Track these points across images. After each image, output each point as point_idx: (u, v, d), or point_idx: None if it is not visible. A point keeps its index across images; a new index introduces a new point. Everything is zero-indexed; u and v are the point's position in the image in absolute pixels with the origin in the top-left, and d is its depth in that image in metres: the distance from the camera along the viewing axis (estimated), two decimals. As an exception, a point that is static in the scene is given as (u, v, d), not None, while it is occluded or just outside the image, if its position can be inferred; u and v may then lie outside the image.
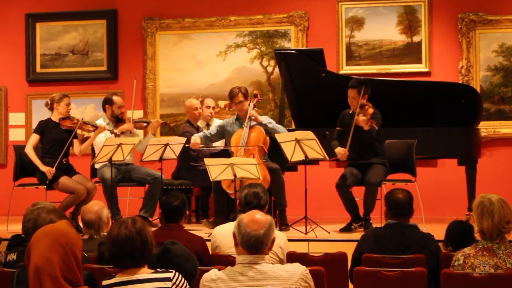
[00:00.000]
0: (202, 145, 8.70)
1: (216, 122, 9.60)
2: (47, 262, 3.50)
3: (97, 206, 6.01)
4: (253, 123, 8.61)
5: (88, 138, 9.17)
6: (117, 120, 9.27)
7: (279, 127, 8.62)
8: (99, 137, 8.94)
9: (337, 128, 8.54)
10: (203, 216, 9.56)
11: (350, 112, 8.41)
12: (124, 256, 4.01)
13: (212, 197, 9.00)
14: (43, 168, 8.72)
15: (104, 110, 9.33)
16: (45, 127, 8.91)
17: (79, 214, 6.34)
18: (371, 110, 8.18)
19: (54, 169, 8.66)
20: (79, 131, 9.05)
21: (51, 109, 8.97)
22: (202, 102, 9.82)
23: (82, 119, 8.93)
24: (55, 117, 8.92)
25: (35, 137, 8.92)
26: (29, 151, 8.85)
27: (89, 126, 8.94)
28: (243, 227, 4.11)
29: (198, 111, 9.59)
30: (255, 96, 8.85)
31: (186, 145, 8.69)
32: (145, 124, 9.53)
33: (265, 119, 8.69)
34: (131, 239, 4.01)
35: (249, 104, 8.72)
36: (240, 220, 4.15)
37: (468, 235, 5.58)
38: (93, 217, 5.90)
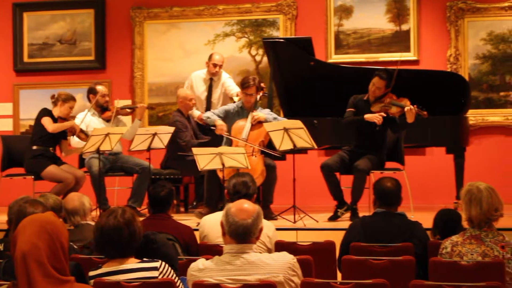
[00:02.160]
0: (227, 132, 8.61)
1: (225, 77, 9.69)
2: (33, 248, 3.48)
3: (77, 196, 6.17)
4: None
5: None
6: (102, 109, 9.25)
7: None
8: (76, 140, 8.99)
9: (350, 109, 8.38)
10: (196, 206, 9.54)
11: (365, 98, 8.36)
12: (110, 245, 4.02)
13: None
14: (71, 123, 8.80)
15: (89, 100, 9.30)
16: (51, 116, 8.89)
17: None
18: (407, 101, 8.16)
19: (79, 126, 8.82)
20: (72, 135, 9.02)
21: (54, 103, 8.94)
22: (210, 57, 9.81)
23: (80, 125, 8.90)
24: (55, 113, 8.89)
25: (50, 120, 8.84)
26: (52, 126, 8.77)
27: (84, 134, 8.88)
28: (231, 216, 4.11)
29: (193, 102, 9.54)
30: (261, 88, 8.82)
31: (212, 127, 8.64)
32: (130, 110, 9.50)
33: (267, 115, 8.62)
34: (119, 229, 4.01)
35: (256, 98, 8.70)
36: (228, 209, 4.15)
37: (456, 223, 5.58)
38: (77, 204, 6.03)
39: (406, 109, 8.02)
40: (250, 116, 8.57)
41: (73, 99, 8.93)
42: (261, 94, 8.81)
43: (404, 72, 8.58)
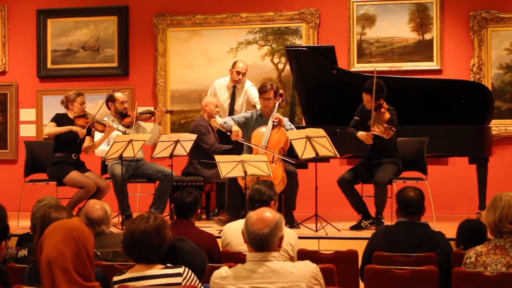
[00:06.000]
0: (243, 138, 8.62)
1: (248, 85, 9.73)
2: (59, 255, 3.51)
3: (99, 204, 6.03)
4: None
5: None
6: (122, 116, 9.29)
7: None
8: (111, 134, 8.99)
9: (355, 117, 8.44)
10: (218, 213, 9.53)
11: (369, 108, 8.37)
12: (139, 250, 4.03)
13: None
14: (74, 128, 8.77)
15: (109, 108, 9.34)
16: (61, 120, 8.93)
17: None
18: (387, 116, 8.08)
19: (85, 130, 8.76)
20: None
21: (66, 107, 8.98)
22: (234, 65, 9.81)
23: (95, 117, 8.91)
24: (71, 115, 8.94)
25: (53, 124, 8.92)
26: (50, 130, 8.88)
27: (101, 125, 8.91)
28: (249, 225, 4.12)
29: (217, 109, 9.55)
30: (281, 95, 8.83)
31: (228, 133, 8.67)
32: (149, 115, 9.52)
33: (286, 123, 8.64)
34: (150, 235, 4.03)
35: (274, 103, 8.71)
36: (248, 218, 4.17)
37: (482, 234, 5.54)
38: (101, 213, 5.92)
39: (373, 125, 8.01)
40: (270, 122, 8.58)
41: (79, 95, 8.97)
42: (280, 100, 8.79)
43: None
